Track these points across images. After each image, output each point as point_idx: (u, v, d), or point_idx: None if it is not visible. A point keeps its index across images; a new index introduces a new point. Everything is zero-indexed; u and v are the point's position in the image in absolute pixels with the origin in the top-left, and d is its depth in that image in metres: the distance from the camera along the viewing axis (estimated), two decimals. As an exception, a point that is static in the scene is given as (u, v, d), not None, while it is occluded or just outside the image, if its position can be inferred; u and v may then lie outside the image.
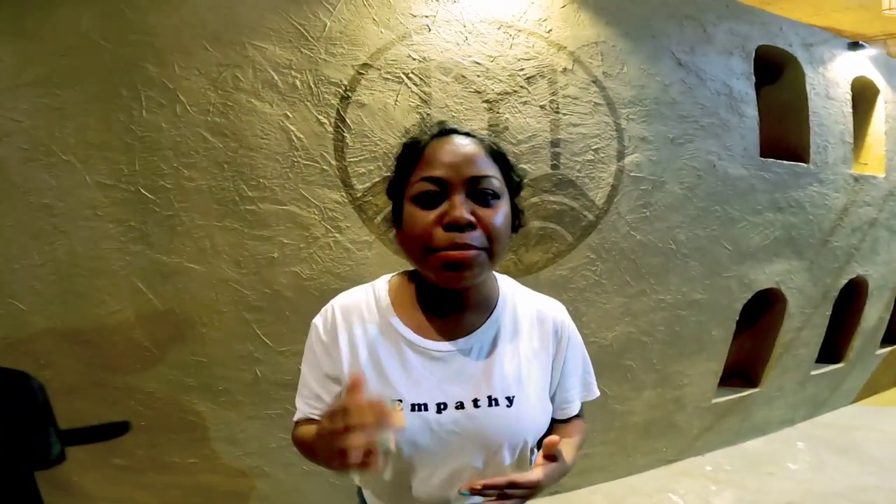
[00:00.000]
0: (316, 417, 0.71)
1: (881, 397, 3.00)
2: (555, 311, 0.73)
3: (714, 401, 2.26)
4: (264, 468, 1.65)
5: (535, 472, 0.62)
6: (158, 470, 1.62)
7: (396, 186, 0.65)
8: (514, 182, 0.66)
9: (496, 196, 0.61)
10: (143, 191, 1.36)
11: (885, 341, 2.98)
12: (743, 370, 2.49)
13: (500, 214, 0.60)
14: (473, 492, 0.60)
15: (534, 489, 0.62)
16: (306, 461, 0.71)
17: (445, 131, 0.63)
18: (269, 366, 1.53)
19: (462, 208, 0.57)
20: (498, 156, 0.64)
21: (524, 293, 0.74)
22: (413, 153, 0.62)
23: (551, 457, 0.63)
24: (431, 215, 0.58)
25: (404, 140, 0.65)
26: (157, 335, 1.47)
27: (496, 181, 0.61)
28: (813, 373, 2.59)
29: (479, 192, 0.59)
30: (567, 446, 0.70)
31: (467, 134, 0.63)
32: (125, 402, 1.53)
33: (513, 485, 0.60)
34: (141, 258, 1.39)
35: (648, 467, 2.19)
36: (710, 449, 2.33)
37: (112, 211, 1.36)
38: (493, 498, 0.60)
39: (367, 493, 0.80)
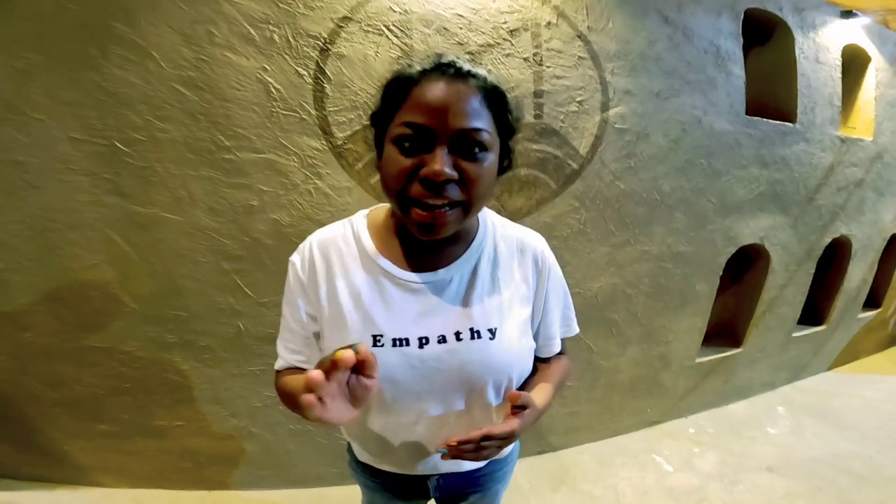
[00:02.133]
0: (298, 366, 0.70)
1: (862, 364, 3.03)
2: (535, 241, 0.71)
3: (698, 360, 2.29)
4: (251, 429, 1.64)
5: (511, 422, 0.61)
6: (145, 435, 1.61)
7: (380, 119, 0.60)
8: (509, 126, 0.61)
9: (484, 149, 0.56)
10: (116, 143, 1.33)
11: (867, 306, 3.02)
12: (726, 329, 2.52)
13: (484, 168, 0.56)
14: (451, 448, 0.59)
15: (510, 439, 0.61)
16: (293, 420, 0.69)
17: (440, 66, 0.56)
18: (251, 319, 1.51)
19: (442, 163, 0.53)
20: (494, 97, 0.57)
21: (505, 224, 0.72)
22: (401, 89, 0.56)
23: (521, 407, 0.62)
24: (409, 162, 0.54)
25: (396, 71, 0.58)
26: (135, 289, 1.45)
27: (486, 134, 0.55)
28: (795, 335, 2.62)
29: (464, 144, 0.54)
30: (539, 391, 0.70)
31: (466, 73, 0.56)
32: (106, 364, 1.52)
33: (488, 437, 0.59)
34: (115, 210, 1.37)
35: (634, 428, 2.22)
36: (693, 411, 2.37)
37: (85, 164, 1.33)
38: (471, 450, 0.59)
39: (355, 448, 0.79)
